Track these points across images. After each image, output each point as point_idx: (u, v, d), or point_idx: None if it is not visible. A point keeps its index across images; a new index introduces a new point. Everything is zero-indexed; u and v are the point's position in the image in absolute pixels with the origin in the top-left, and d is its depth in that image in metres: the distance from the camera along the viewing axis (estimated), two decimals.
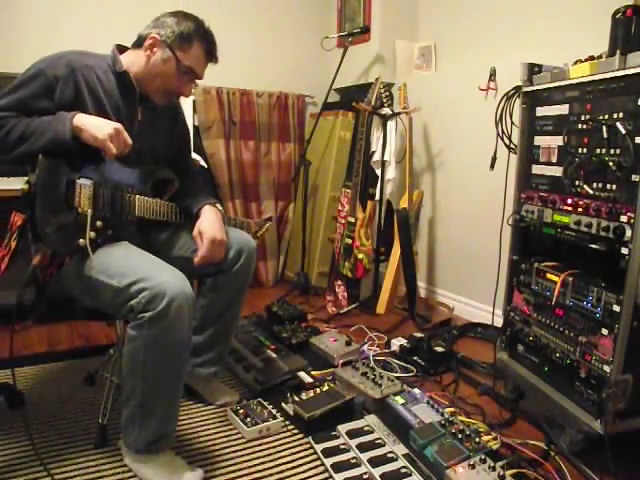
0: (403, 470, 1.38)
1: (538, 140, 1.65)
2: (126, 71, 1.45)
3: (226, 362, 1.84)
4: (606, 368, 1.36)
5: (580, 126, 1.45)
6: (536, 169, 1.66)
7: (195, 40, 1.45)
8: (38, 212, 1.30)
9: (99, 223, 1.35)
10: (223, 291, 1.61)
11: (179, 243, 1.60)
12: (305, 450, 1.52)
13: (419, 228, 3.09)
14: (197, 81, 1.53)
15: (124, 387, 1.32)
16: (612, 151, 1.34)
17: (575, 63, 1.49)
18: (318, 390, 1.73)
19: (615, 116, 1.33)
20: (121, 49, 1.50)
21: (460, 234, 2.82)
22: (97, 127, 1.27)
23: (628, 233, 1.29)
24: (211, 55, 1.50)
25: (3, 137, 1.25)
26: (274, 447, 1.53)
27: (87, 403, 1.70)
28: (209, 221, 1.53)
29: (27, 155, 1.28)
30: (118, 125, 1.30)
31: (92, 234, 1.31)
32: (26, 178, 1.35)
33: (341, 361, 2.05)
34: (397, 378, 1.86)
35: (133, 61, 1.46)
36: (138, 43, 1.47)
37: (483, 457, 1.35)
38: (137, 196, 1.47)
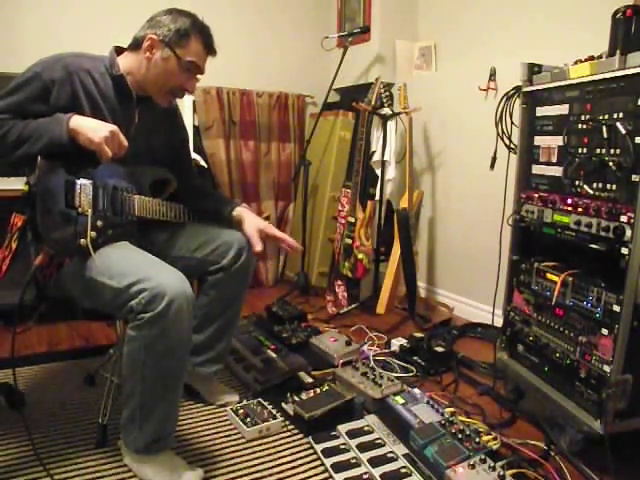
0: (403, 470, 1.38)
1: (538, 140, 1.64)
2: (122, 75, 1.45)
3: (226, 361, 1.84)
4: (606, 368, 1.36)
5: (580, 126, 1.45)
6: (536, 169, 1.66)
7: (193, 35, 1.44)
8: (38, 213, 1.29)
9: (99, 223, 1.35)
10: (224, 289, 1.61)
11: (179, 243, 1.60)
12: (305, 450, 1.52)
13: (419, 228, 3.09)
14: (198, 77, 1.52)
15: (124, 387, 1.32)
16: (612, 151, 1.34)
17: (575, 63, 1.49)
18: (318, 390, 1.73)
19: (615, 116, 1.33)
20: (119, 50, 1.50)
21: (460, 234, 2.82)
22: (92, 130, 1.27)
23: (628, 233, 1.29)
24: (210, 48, 1.50)
25: (0, 140, 1.25)
26: (274, 447, 1.53)
27: (87, 403, 1.70)
28: (257, 219, 1.67)
29: (25, 158, 1.29)
30: (114, 127, 1.30)
31: (93, 234, 1.31)
32: (25, 179, 1.35)
33: (341, 361, 2.05)
34: (397, 378, 1.85)
35: (132, 64, 1.46)
36: (135, 45, 1.46)
37: (483, 457, 1.34)
38: (136, 196, 1.47)
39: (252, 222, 1.64)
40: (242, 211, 1.68)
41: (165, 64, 1.43)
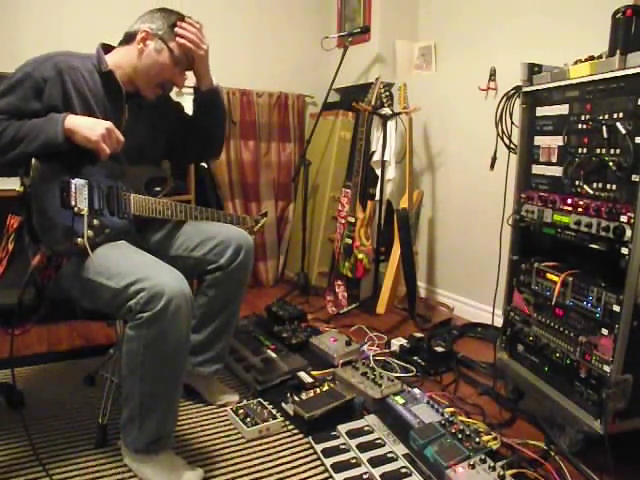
0: (403, 470, 1.38)
1: (538, 140, 1.64)
2: (111, 70, 1.45)
3: (226, 361, 1.84)
4: (606, 368, 1.36)
5: (580, 126, 1.45)
6: (536, 169, 1.66)
7: None
8: (35, 214, 1.29)
9: (96, 222, 1.35)
10: (222, 289, 1.61)
11: (177, 242, 1.60)
12: (305, 450, 1.52)
13: (419, 228, 3.08)
14: (187, 75, 1.53)
15: (123, 387, 1.32)
16: (612, 151, 1.34)
17: (575, 63, 1.49)
18: (318, 390, 1.73)
19: (615, 116, 1.33)
20: (106, 48, 1.50)
21: (460, 234, 2.81)
22: (89, 129, 1.28)
23: (628, 233, 1.29)
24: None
25: None
26: (274, 447, 1.53)
27: (87, 403, 1.70)
28: None
29: (20, 159, 1.28)
30: (109, 124, 1.31)
31: (90, 233, 1.31)
32: (20, 180, 1.35)
33: (341, 361, 2.05)
34: (397, 378, 1.85)
35: (123, 57, 1.47)
36: (127, 40, 1.47)
37: (483, 457, 1.34)
38: (132, 194, 1.47)
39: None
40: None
41: (158, 56, 1.45)
